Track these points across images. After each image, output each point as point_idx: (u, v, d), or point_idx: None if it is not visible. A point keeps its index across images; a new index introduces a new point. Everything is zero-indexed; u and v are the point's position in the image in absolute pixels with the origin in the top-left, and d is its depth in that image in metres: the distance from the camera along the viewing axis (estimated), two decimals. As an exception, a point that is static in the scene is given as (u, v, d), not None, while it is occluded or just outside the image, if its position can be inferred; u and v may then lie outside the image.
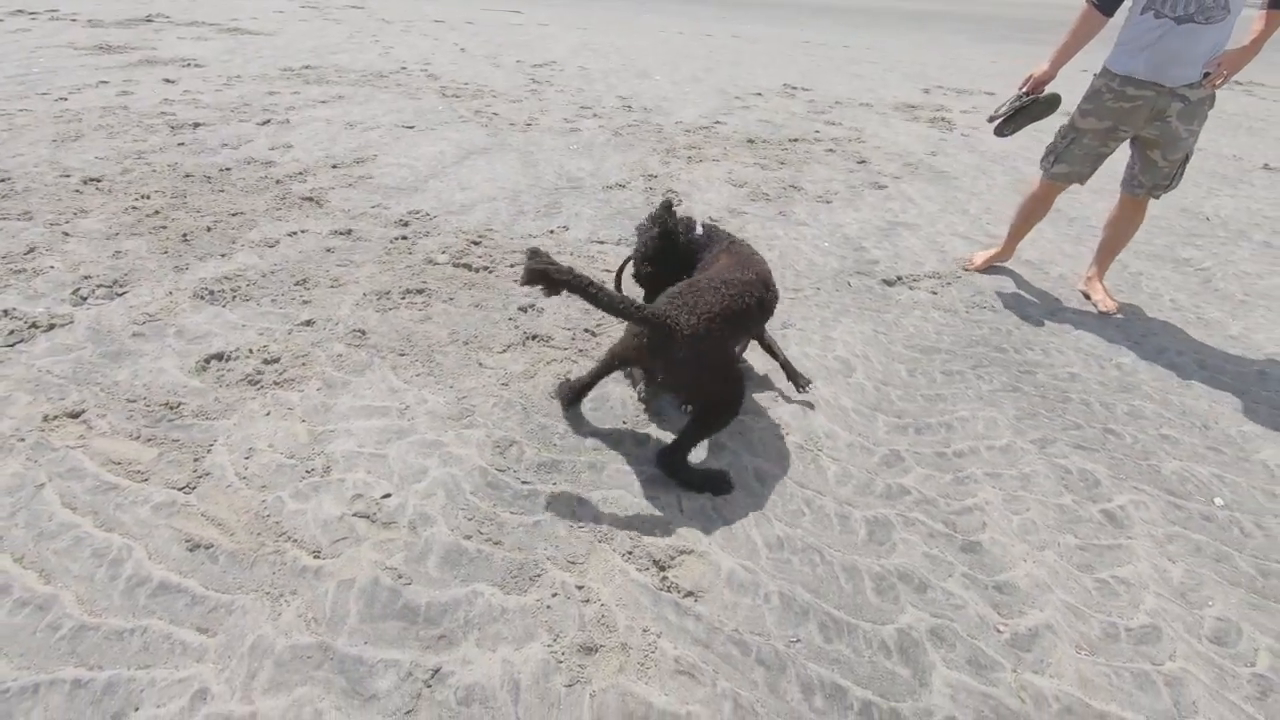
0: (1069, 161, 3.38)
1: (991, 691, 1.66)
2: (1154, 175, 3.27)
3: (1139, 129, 3.19)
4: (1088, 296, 3.70)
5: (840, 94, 8.77)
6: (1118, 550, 2.10)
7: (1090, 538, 2.15)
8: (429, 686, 1.59)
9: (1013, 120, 3.36)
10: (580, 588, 1.85)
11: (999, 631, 1.82)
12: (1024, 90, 3.32)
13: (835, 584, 1.92)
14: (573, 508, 2.12)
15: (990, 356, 3.10)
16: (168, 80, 7.36)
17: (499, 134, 6.14)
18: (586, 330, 3.09)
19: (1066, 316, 3.52)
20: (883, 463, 2.40)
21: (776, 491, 2.23)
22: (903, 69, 11.13)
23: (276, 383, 2.62)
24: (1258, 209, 5.34)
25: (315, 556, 1.90)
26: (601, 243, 4.01)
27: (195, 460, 2.22)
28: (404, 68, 8.86)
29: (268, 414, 2.45)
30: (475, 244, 3.88)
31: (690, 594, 1.86)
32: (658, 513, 2.12)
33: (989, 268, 3.96)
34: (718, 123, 6.97)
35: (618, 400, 2.62)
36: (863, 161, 5.98)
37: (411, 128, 6.16)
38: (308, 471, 2.20)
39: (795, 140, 6.50)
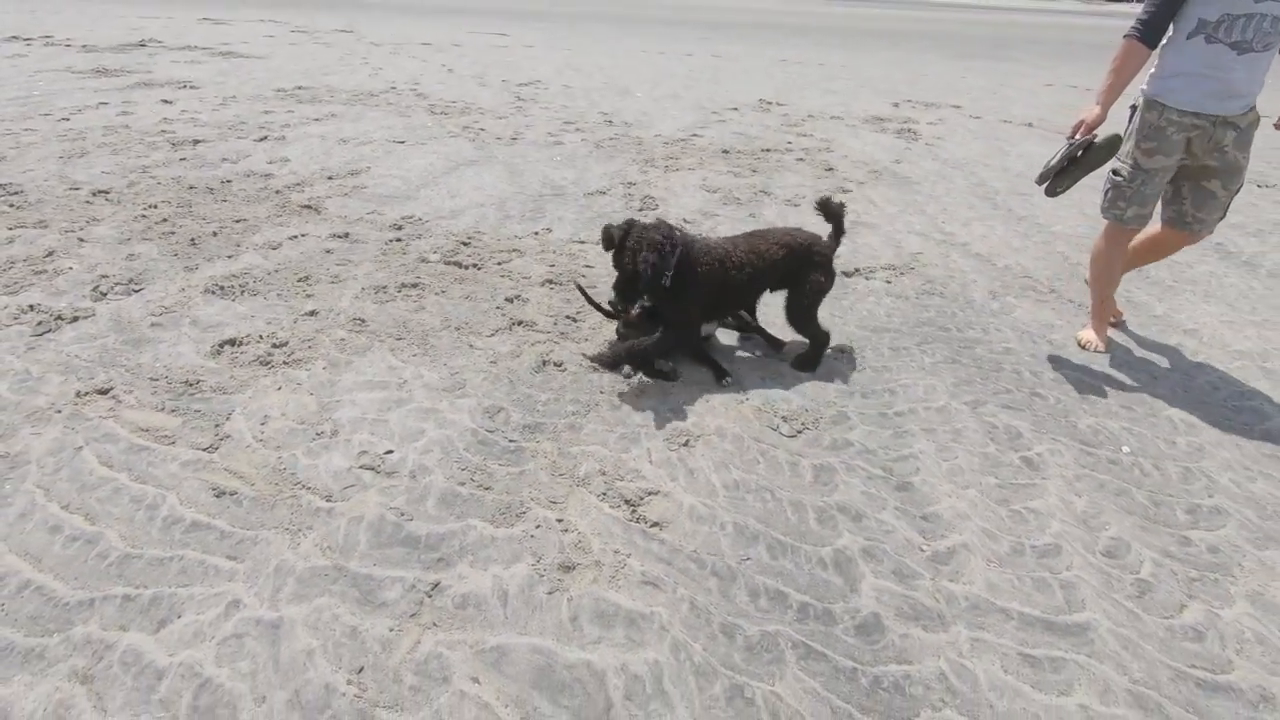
0: (1141, 203, 3.06)
1: (911, 594, 1.95)
2: (1212, 209, 3.06)
3: (1197, 160, 2.96)
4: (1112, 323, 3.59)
5: (813, 108, 9.19)
6: (1031, 488, 2.40)
7: (1009, 479, 2.45)
8: (430, 596, 1.86)
9: (1067, 173, 3.02)
10: (560, 521, 2.13)
11: (922, 550, 2.11)
12: (1075, 137, 2.98)
13: (783, 515, 2.21)
14: (554, 460, 2.40)
15: (934, 335, 3.42)
16: (165, 101, 7.66)
17: (486, 147, 6.47)
18: (568, 317, 3.38)
19: (1007, 301, 3.85)
20: (831, 421, 2.70)
21: (734, 444, 2.52)
22: (874, 85, 11.61)
23: (286, 363, 2.89)
24: (1196, 207, 5.72)
25: (327, 500, 2.17)
26: (582, 242, 4.32)
27: (216, 427, 2.49)
28: (394, 87, 9.21)
29: (279, 389, 2.72)
30: (465, 244, 4.18)
31: (656, 524, 2.14)
32: (630, 463, 2.40)
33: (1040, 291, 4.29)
34: (695, 135, 7.34)
35: (597, 374, 2.91)
36: (830, 169, 6.35)
37: (402, 142, 6.48)
38: (317, 434, 2.47)
39: (768, 150, 6.87)
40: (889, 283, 4.00)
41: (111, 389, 2.67)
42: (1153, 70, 3.04)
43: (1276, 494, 2.44)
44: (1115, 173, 3.12)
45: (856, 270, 4.12)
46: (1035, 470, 2.49)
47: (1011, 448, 2.61)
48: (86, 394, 2.62)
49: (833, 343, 3.24)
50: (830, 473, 2.42)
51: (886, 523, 2.21)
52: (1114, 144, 2.98)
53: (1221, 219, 3.13)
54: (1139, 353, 3.36)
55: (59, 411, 2.51)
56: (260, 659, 1.67)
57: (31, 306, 3.20)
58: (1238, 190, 3.05)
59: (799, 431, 2.63)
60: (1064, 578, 2.03)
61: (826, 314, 3.56)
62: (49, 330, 3.03)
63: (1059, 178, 3.05)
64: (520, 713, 1.58)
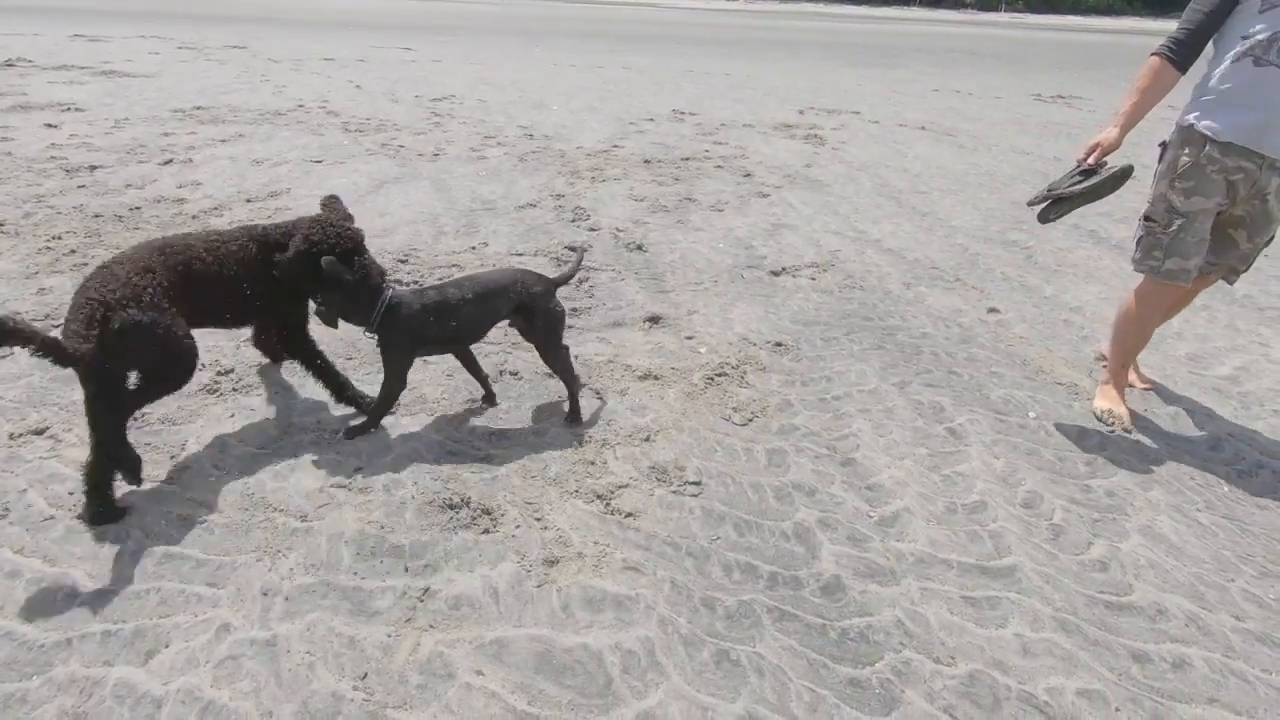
0: (1183, 254, 2.62)
1: (865, 555, 2.17)
2: (1231, 255, 2.73)
3: (1231, 207, 2.60)
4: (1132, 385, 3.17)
5: (725, 117, 9.58)
6: (957, 455, 2.69)
7: (937, 448, 2.73)
8: (422, 600, 1.92)
9: (1068, 201, 2.66)
10: (538, 519, 2.23)
11: (870, 517, 2.33)
12: (1087, 160, 2.65)
13: (744, 497, 2.39)
14: (524, 464, 2.49)
15: (860, 325, 3.72)
16: (49, 125, 7.17)
17: (408, 164, 6.43)
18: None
19: (920, 291, 4.21)
20: (777, 409, 2.92)
21: (692, 436, 2.69)
22: (779, 93, 12.19)
23: (235, 390, 2.84)
24: (1070, 199, 6.39)
25: (303, 520, 2.18)
26: (520, 254, 4.40)
27: (172, 459, 2.44)
28: (301, 105, 8.94)
29: (232, 416, 2.68)
30: (402, 262, 4.18)
31: (630, 515, 2.27)
32: (595, 462, 2.53)
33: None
34: (615, 146, 7.53)
35: (555, 382, 3.01)
36: (748, 175, 6.68)
37: (320, 161, 6.34)
38: (281, 458, 2.46)
39: (687, 159, 7.15)
40: (814, 279, 4.29)
41: (48, 428, 2.55)
42: (1191, 97, 2.62)
43: (1157, 443, 2.83)
44: (1147, 218, 2.71)
45: (784, 269, 4.40)
46: (959, 439, 2.79)
47: (937, 420, 2.90)
48: (21, 435, 2.50)
49: (769, 338, 3.47)
50: (782, 455, 2.62)
51: (836, 495, 2.42)
52: (1125, 174, 2.63)
53: (1245, 270, 2.79)
54: (1035, 329, 3.76)
55: (-7, 455, 2.39)
56: (261, 676, 1.69)
57: (-63, 349, 3.00)
58: (1266, 244, 2.71)
59: (749, 420, 2.82)
60: (991, 529, 2.31)
61: (762, 310, 3.80)
62: (-37, 373, 2.85)
63: (1057, 204, 2.68)
64: (527, 696, 1.67)
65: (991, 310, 3.98)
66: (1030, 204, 2.79)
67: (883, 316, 3.83)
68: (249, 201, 5.14)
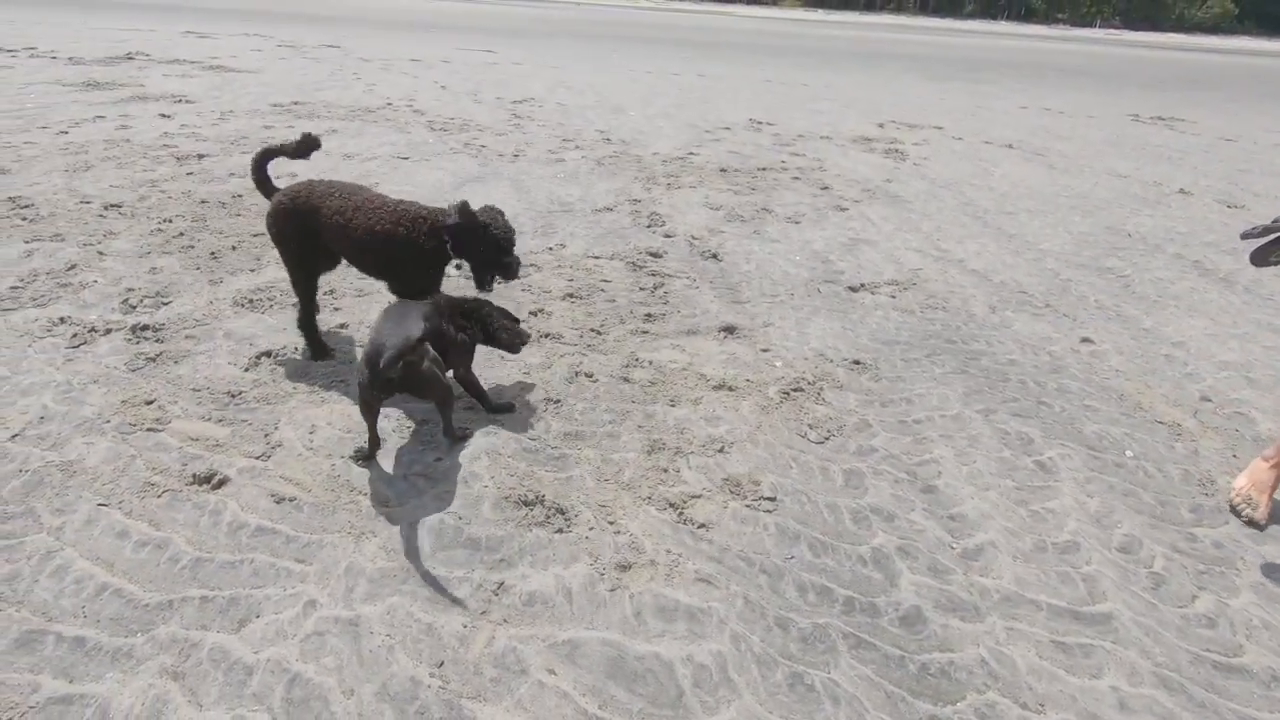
0: None
1: (947, 588, 2.08)
2: None
3: None
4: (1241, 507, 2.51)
5: (802, 128, 9.46)
6: (1047, 490, 2.56)
7: (1025, 481, 2.60)
8: (497, 595, 1.95)
9: None
10: (611, 523, 2.23)
11: (952, 548, 2.24)
12: None
13: (820, 516, 2.33)
14: (598, 466, 2.50)
15: (942, 347, 3.59)
16: (163, 115, 7.66)
17: (489, 164, 6.58)
18: (592, 329, 3.49)
19: (1006, 315, 4.04)
20: (855, 428, 2.84)
21: (767, 450, 2.65)
22: (858, 105, 11.96)
23: (325, 373, 2.96)
24: (1172, 226, 6.03)
25: (385, 505, 2.25)
26: (596, 258, 4.44)
27: (265, 436, 2.55)
28: (390, 103, 9.29)
29: (322, 401, 2.79)
30: (482, 259, 4.27)
31: (703, 526, 2.25)
32: (669, 469, 2.51)
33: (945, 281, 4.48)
34: (691, 153, 7.53)
35: (627, 384, 3.02)
36: (825, 188, 6.56)
37: (406, 158, 6.57)
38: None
39: (763, 169, 7.08)
40: (894, 297, 4.17)
41: (155, 400, 2.71)
42: None
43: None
44: None
45: (862, 285, 4.30)
46: (1049, 473, 2.65)
47: (1025, 452, 2.77)
48: (132, 405, 2.66)
49: (847, 355, 3.39)
50: (859, 476, 2.55)
51: (916, 523, 2.34)
52: None
53: None
54: (1133, 362, 3.56)
55: (108, 423, 2.56)
56: (344, 654, 1.74)
57: (62, 319, 3.23)
58: None
59: (826, 438, 2.76)
60: (1084, 572, 2.18)
61: (840, 326, 3.72)
62: (84, 343, 3.07)
63: (1273, 246, 2.22)
64: (598, 700, 1.67)
65: (1084, 340, 3.78)
66: (1245, 236, 2.22)
67: (967, 340, 3.69)
68: (340, 194, 5.36)
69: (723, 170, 6.89)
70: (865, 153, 8.22)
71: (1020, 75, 20.15)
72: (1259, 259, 2.25)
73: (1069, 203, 6.59)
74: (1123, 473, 2.69)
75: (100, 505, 2.17)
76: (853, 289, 4.25)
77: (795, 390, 3.07)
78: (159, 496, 2.22)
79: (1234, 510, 2.49)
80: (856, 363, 3.36)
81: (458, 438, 2.57)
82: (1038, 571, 2.17)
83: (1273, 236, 2.17)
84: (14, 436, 2.45)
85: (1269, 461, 2.48)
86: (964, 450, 2.76)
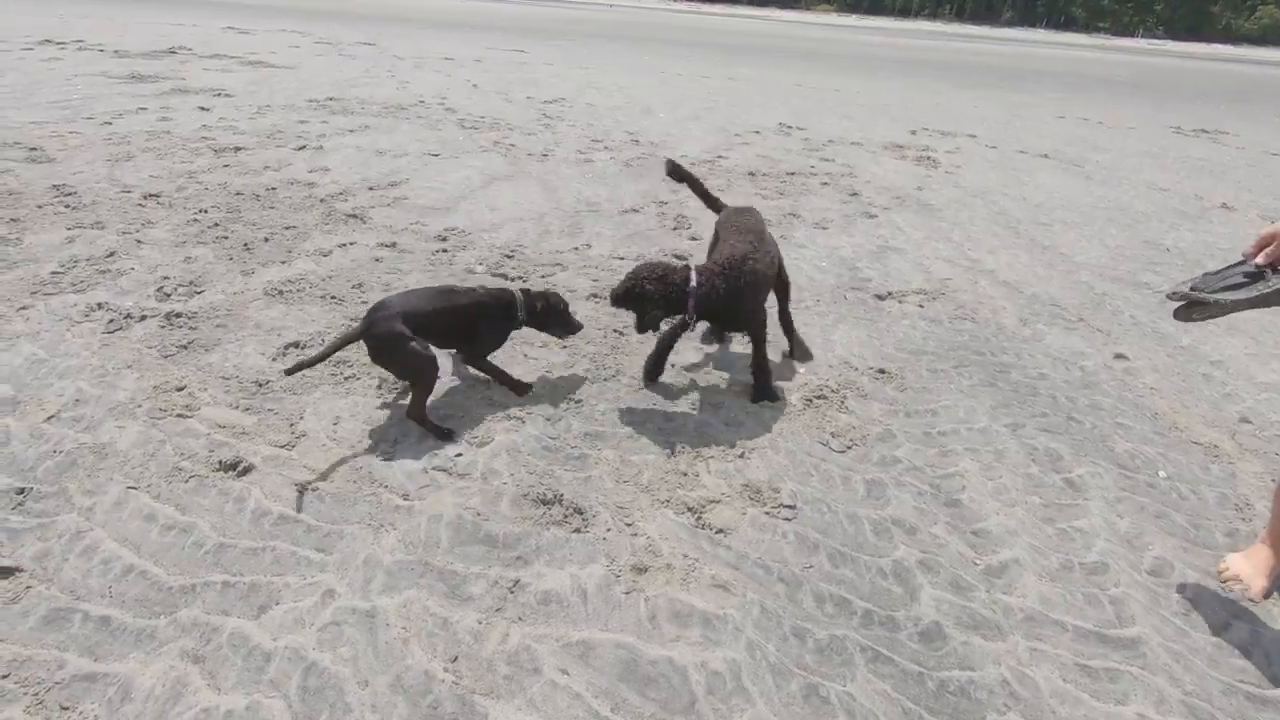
0: None
1: (968, 605, 2.04)
2: None
3: None
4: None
5: (832, 133, 9.38)
6: (1075, 508, 2.50)
7: (1052, 499, 2.54)
8: (512, 592, 1.95)
9: (1218, 307, 1.92)
10: (629, 525, 2.22)
11: (975, 564, 2.20)
12: (1255, 258, 1.93)
13: (840, 527, 2.30)
14: (617, 467, 2.49)
15: (970, 359, 3.53)
16: (202, 108, 7.83)
17: (519, 163, 6.62)
18: (616, 330, 3.49)
19: (1037, 328, 3.96)
20: (878, 438, 2.80)
21: (788, 458, 2.62)
22: (890, 112, 11.82)
23: (349, 365, 2.99)
24: (1213, 242, 5.86)
25: (405, 499, 2.26)
26: (622, 258, 4.44)
27: (291, 426, 2.59)
28: (422, 101, 9.40)
29: (348, 394, 2.82)
30: (508, 257, 4.30)
31: (721, 531, 2.23)
32: (688, 472, 2.50)
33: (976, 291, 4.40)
34: (720, 157, 7.50)
35: (650, 388, 3.01)
36: (855, 194, 6.50)
37: (437, 155, 6.64)
38: (388, 438, 2.56)
39: (792, 174, 7.03)
40: (922, 306, 4.11)
41: (186, 386, 2.77)
42: None
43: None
44: None
45: (890, 294, 4.24)
46: (1077, 491, 2.59)
47: (1053, 469, 2.71)
48: (163, 391, 2.72)
49: (872, 364, 3.35)
50: (881, 487, 2.51)
51: (939, 537, 2.30)
52: None
53: None
54: (1169, 380, 3.46)
55: (139, 407, 2.61)
56: (360, 645, 1.75)
57: (100, 305, 3.31)
58: None
59: (848, 447, 2.72)
60: (1112, 594, 2.12)
61: (865, 334, 3.67)
62: (119, 328, 3.14)
63: (1201, 306, 1.97)
64: (610, 703, 1.66)
65: (1118, 356, 3.69)
66: (1169, 297, 2.05)
67: (995, 352, 3.62)
68: (371, 189, 5.43)
69: (751, 174, 6.86)
70: (896, 160, 8.12)
71: (1058, 84, 19.77)
72: (1181, 316, 2.06)
73: (1105, 215, 6.44)
74: (1155, 493, 2.62)
75: (130, 488, 2.22)
76: (880, 297, 4.19)
77: (819, 398, 3.03)
78: (186, 481, 2.26)
79: (1229, 589, 2.20)
80: (882, 371, 3.31)
81: (429, 426, 2.58)
82: (1063, 592, 2.11)
83: (1186, 302, 2.00)
84: (49, 418, 2.51)
85: (1250, 555, 2.24)
86: (990, 465, 2.70)
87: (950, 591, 2.08)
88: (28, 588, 1.85)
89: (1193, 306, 2.01)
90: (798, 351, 3.37)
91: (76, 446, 2.38)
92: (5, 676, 1.62)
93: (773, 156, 7.73)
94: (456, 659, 1.74)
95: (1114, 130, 11.61)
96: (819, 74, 17.31)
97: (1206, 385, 3.46)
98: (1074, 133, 11.10)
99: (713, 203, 3.35)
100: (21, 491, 2.16)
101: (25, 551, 1.96)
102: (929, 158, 8.33)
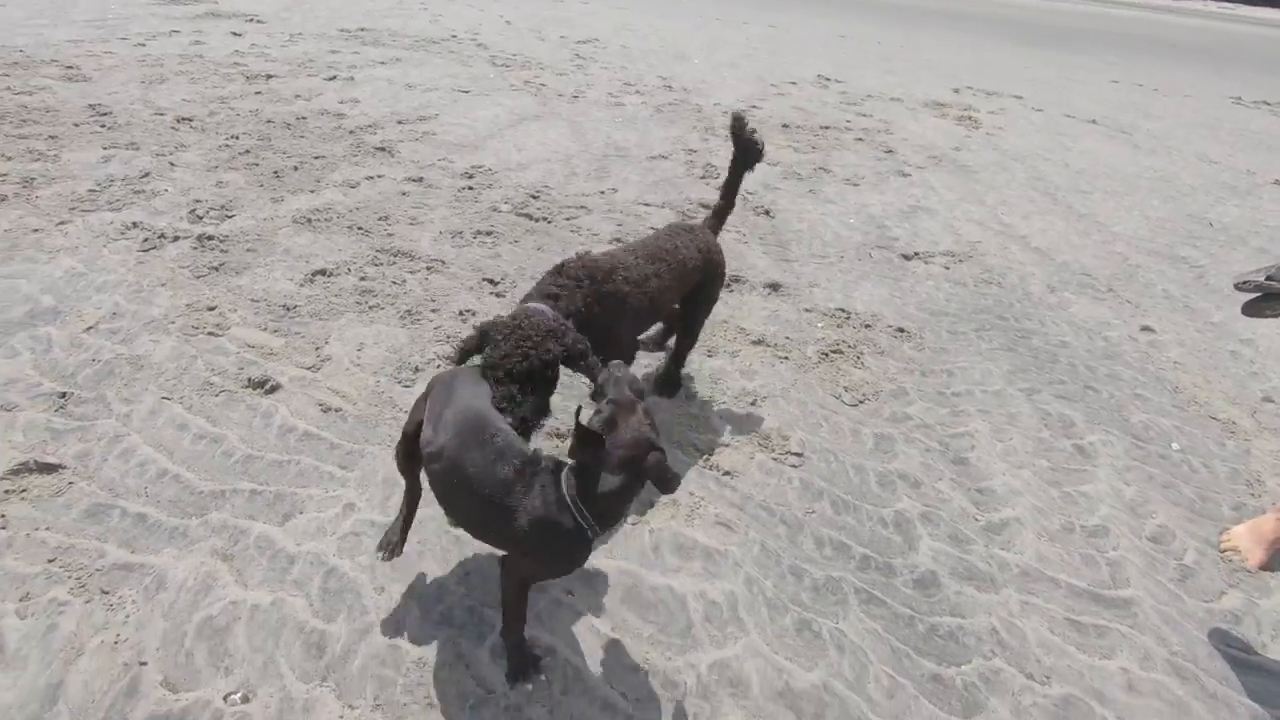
0: None
1: (965, 557, 2.09)
2: None
3: None
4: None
5: (872, 88, 9.08)
6: (1083, 474, 2.51)
7: (1061, 463, 2.55)
8: (524, 517, 2.03)
9: None
10: (639, 462, 2.28)
11: (976, 520, 2.24)
12: None
13: (846, 476, 2.34)
14: (630, 407, 2.54)
15: (992, 323, 3.50)
16: (235, 34, 7.77)
17: (548, 103, 6.53)
18: (636, 275, 3.50)
19: (1064, 296, 3.90)
20: (891, 395, 2.82)
21: (799, 408, 2.65)
22: (935, 67, 11.38)
23: (374, 295, 3.05)
24: (1260, 219, 5.66)
25: (424, 424, 2.34)
26: (647, 205, 4.41)
27: (316, 349, 2.66)
28: (454, 35, 9.23)
29: (371, 321, 2.89)
30: (534, 198, 4.30)
31: (728, 473, 2.28)
32: (699, 417, 2.54)
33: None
34: (754, 107, 7.32)
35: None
36: (890, 151, 6.33)
37: (467, 92, 6.56)
38: (410, 365, 2.63)
39: (827, 128, 6.85)
40: (947, 268, 4.06)
41: (217, 307, 2.85)
42: None
43: (1321, 500, 2.52)
44: None
45: (916, 254, 4.18)
46: (1087, 458, 2.60)
47: (1065, 435, 2.71)
48: (196, 309, 2.80)
49: (891, 322, 3.34)
50: (890, 442, 2.54)
51: (943, 492, 2.33)
52: None
53: None
54: (1194, 356, 3.41)
55: (173, 324, 2.70)
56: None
57: (135, 224, 3.39)
58: None
59: (860, 401, 2.75)
60: (1110, 556, 2.16)
61: (888, 292, 3.65)
62: (154, 247, 3.22)
63: (1268, 300, 1.98)
64: (611, 623, 1.75)
65: (1145, 328, 3.63)
66: (1239, 287, 2.03)
67: (1019, 318, 3.59)
68: (400, 123, 5.41)
69: (784, 126, 6.70)
70: (936, 118, 7.87)
71: (1116, 47, 18.82)
72: (1251, 311, 2.05)
73: (1149, 185, 6.23)
74: (1166, 464, 2.62)
75: (164, 399, 2.32)
76: (906, 256, 4.14)
77: (834, 352, 3.04)
78: (216, 395, 2.36)
79: (1226, 558, 2.23)
80: (901, 330, 3.30)
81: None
82: (1061, 551, 2.15)
83: (1261, 293, 1.99)
84: (88, 329, 2.61)
85: (1251, 525, 2.26)
86: (1001, 427, 2.71)
87: (949, 544, 2.13)
88: (70, 483, 1.96)
89: (1266, 300, 1.97)
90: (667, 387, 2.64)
91: (114, 357, 2.48)
92: (51, 561, 1.74)
93: (808, 109, 7.52)
94: (469, 574, 1.83)
95: (1169, 97, 11.10)
96: (865, 24, 16.64)
97: (1233, 362, 3.40)
98: (1126, 98, 10.63)
99: (727, 196, 2.75)
100: (63, 396, 2.27)
101: (67, 450, 2.07)
102: (970, 118, 8.05)
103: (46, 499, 1.91)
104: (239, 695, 1.51)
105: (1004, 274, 4.08)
